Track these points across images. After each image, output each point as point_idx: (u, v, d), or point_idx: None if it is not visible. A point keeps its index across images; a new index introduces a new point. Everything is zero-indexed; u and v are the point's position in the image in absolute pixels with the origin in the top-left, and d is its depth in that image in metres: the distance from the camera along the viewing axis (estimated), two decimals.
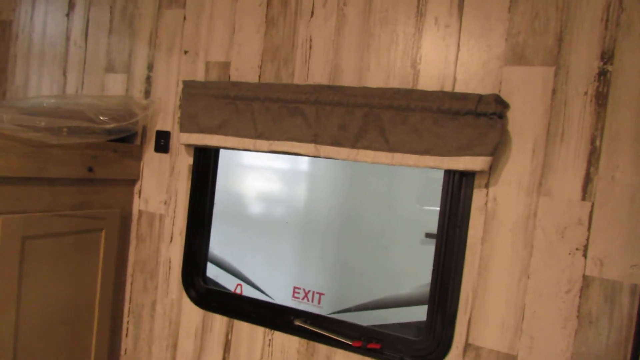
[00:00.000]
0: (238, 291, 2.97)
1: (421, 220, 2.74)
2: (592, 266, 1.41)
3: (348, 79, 1.75)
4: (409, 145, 1.57)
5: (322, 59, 1.79)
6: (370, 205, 2.89)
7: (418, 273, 2.71)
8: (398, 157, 1.59)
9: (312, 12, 1.82)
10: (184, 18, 2.08)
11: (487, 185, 1.55)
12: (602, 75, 1.39)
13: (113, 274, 2.10)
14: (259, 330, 1.92)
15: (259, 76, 1.91)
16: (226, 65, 1.98)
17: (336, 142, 1.69)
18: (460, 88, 1.57)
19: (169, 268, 2.12)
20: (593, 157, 1.41)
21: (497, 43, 1.52)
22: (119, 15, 2.26)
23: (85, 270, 1.97)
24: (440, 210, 1.65)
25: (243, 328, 1.95)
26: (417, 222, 2.75)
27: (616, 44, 1.38)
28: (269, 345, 1.90)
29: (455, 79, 1.58)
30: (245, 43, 1.94)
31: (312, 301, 2.80)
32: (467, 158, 1.49)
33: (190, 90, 1.97)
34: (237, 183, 3.13)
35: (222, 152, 2.11)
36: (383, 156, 1.61)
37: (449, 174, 1.63)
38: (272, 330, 1.90)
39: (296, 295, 2.84)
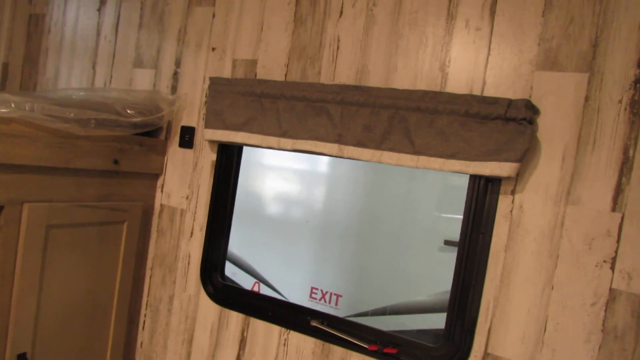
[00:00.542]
0: (255, 290, 2.98)
1: (439, 227, 2.71)
2: (619, 279, 1.37)
3: (375, 80, 1.74)
4: (435, 148, 1.55)
5: (349, 59, 1.79)
6: (389, 209, 2.87)
7: (436, 280, 2.68)
8: (423, 160, 1.57)
9: (341, 12, 1.81)
10: (213, 15, 2.10)
11: (513, 192, 1.52)
12: (638, 83, 1.35)
13: (133, 266, 2.12)
14: (275, 329, 1.92)
15: (285, 75, 1.92)
16: (253, 63, 1.99)
17: (360, 143, 1.67)
18: (489, 92, 1.54)
19: (188, 263, 2.13)
20: (625, 167, 1.37)
21: (530, 47, 1.49)
22: (149, 11, 2.29)
23: (106, 262, 1.99)
24: (464, 216, 1.62)
25: (259, 326, 1.95)
26: (435, 228, 2.72)
27: None
28: (285, 344, 1.89)
29: (484, 83, 1.56)
30: (273, 41, 1.95)
31: (330, 302, 2.79)
32: (494, 163, 1.47)
33: (217, 87, 1.98)
34: (257, 183, 3.14)
35: (243, 151, 2.11)
36: (407, 159, 1.59)
37: (475, 179, 1.60)
38: (288, 330, 1.89)
39: (313, 295, 2.83)
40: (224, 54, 2.06)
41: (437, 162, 1.54)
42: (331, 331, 1.81)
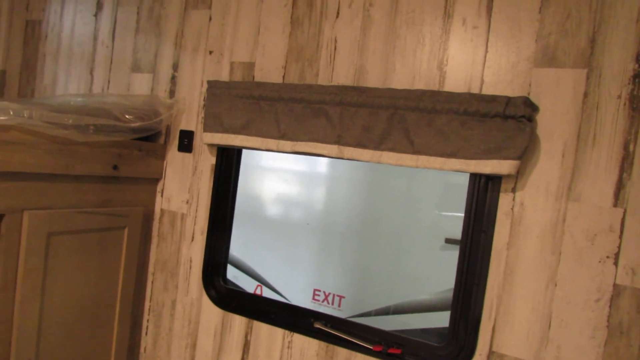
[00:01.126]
0: (257, 292, 2.97)
1: (440, 225, 2.70)
2: (623, 275, 1.37)
3: (373, 80, 1.73)
4: (435, 147, 1.55)
5: (347, 59, 1.78)
6: (389, 209, 2.86)
7: (438, 279, 2.67)
8: (423, 159, 1.56)
9: (338, 13, 1.81)
10: (210, 18, 2.09)
11: (514, 190, 1.52)
12: (637, 78, 1.35)
13: (134, 272, 2.11)
14: (278, 331, 1.91)
15: (283, 77, 1.91)
16: (250, 66, 1.99)
17: (360, 144, 1.67)
18: (487, 90, 1.54)
19: (190, 267, 2.12)
20: (626, 162, 1.37)
21: (527, 44, 1.49)
22: (145, 16, 2.29)
23: (107, 268, 1.99)
24: (465, 215, 1.62)
25: (262, 329, 1.95)
26: (435, 227, 2.71)
27: None
28: (288, 347, 1.89)
29: (482, 81, 1.55)
30: (270, 43, 1.95)
31: (332, 304, 2.78)
32: (494, 161, 1.46)
33: (215, 90, 1.98)
34: (256, 185, 3.13)
35: (242, 153, 2.11)
36: (407, 158, 1.59)
37: (475, 177, 1.60)
38: (292, 332, 1.88)
39: (316, 297, 2.83)
40: (221, 57, 2.06)
41: (437, 161, 1.54)
42: (335, 332, 1.80)
